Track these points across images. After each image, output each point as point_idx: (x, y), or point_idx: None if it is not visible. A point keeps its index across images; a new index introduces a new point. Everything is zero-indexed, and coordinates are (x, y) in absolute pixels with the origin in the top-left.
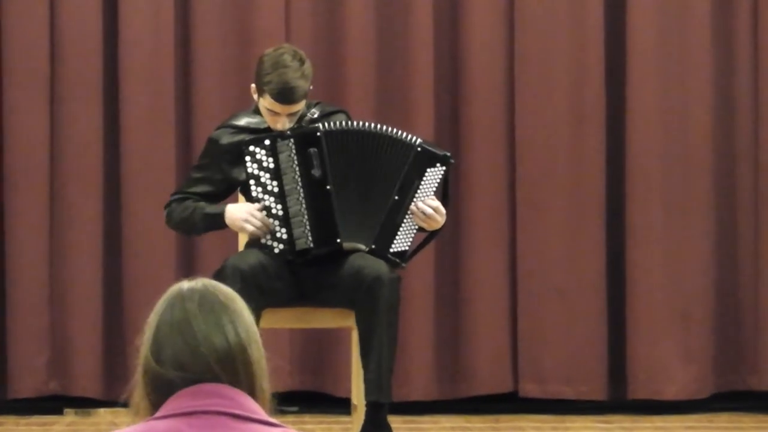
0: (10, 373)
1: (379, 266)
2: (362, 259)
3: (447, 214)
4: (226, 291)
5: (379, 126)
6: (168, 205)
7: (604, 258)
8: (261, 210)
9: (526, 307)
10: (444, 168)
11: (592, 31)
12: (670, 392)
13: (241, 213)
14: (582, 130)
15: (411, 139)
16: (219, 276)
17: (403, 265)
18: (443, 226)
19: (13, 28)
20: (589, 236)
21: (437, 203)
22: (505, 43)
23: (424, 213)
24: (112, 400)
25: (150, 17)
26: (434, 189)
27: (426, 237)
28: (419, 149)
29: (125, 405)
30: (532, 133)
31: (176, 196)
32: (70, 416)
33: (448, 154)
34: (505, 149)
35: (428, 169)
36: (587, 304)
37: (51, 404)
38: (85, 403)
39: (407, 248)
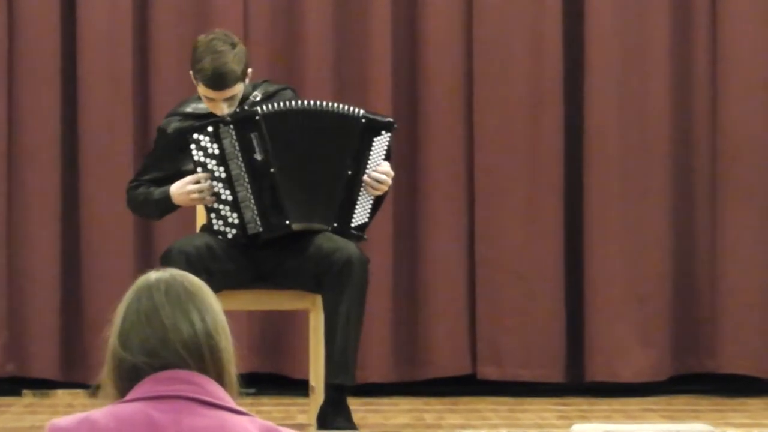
0: None
1: (349, 248)
2: (330, 241)
3: (404, 197)
4: (193, 280)
5: (319, 102)
6: (126, 193)
7: (562, 242)
8: (206, 185)
9: (484, 290)
10: (389, 134)
11: (550, 15)
12: (628, 375)
13: (183, 188)
14: (540, 116)
15: (353, 111)
16: (165, 258)
17: (365, 237)
18: (389, 187)
19: None
20: (547, 220)
21: (387, 167)
22: (463, 29)
23: (377, 180)
24: (69, 381)
25: None
26: (383, 156)
27: (377, 201)
28: (364, 120)
29: (83, 387)
30: (490, 118)
31: (132, 184)
32: (28, 398)
33: (392, 120)
34: (463, 135)
35: (375, 138)
36: (545, 288)
37: (8, 386)
38: (42, 385)
39: (367, 220)
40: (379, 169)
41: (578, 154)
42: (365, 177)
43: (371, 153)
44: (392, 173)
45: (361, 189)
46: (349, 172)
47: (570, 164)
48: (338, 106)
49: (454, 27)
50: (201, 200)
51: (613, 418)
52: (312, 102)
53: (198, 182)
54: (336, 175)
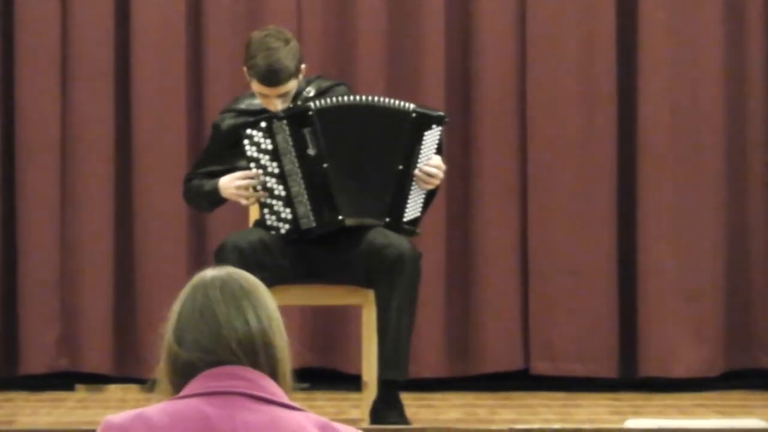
0: (22, 349)
1: (401, 243)
2: (382, 236)
3: (458, 192)
4: (249, 278)
5: (371, 97)
6: (183, 185)
7: (615, 237)
8: (255, 178)
9: (537, 285)
10: (440, 128)
11: (603, 11)
12: (681, 370)
13: (231, 182)
14: (593, 109)
15: (404, 105)
16: (219, 253)
17: (418, 231)
18: (441, 179)
19: (25, 6)
20: (599, 215)
21: (438, 161)
22: (517, 23)
23: (428, 174)
24: (122, 376)
25: None
26: (434, 150)
27: (429, 195)
28: (414, 114)
29: (135, 381)
30: (543, 112)
31: (188, 177)
32: (81, 392)
33: (443, 113)
34: (515, 129)
35: (426, 133)
36: (598, 283)
37: (62, 380)
38: (95, 379)
39: (419, 214)
40: (430, 163)
41: (631, 151)
42: (416, 171)
43: (422, 147)
44: (444, 167)
45: (413, 183)
46: (401, 167)
47: (622, 160)
48: (389, 101)
49: (507, 23)
50: (246, 196)
51: (666, 413)
52: (364, 97)
53: (246, 178)
54: (388, 169)
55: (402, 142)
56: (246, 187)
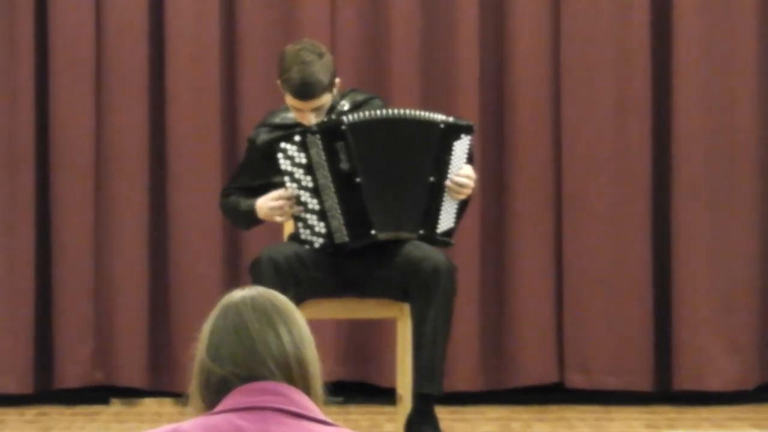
0: (56, 363)
1: (437, 256)
2: (418, 250)
3: (492, 204)
4: (279, 296)
5: (400, 110)
6: (219, 198)
7: (650, 249)
8: (291, 199)
9: (571, 298)
10: (469, 137)
11: (638, 22)
12: (716, 383)
13: (266, 202)
14: (627, 122)
15: (433, 117)
16: (254, 267)
17: (453, 242)
18: (474, 189)
19: (59, 17)
20: (634, 227)
21: (468, 170)
22: (550, 34)
23: (460, 185)
24: (157, 389)
25: (195, 7)
26: (464, 160)
27: (462, 205)
28: (443, 126)
29: (170, 395)
30: (578, 124)
31: (224, 191)
32: (115, 406)
33: (471, 123)
34: (550, 140)
35: (455, 143)
36: (632, 295)
37: (96, 394)
38: (130, 393)
39: (453, 225)
40: (461, 173)
41: (666, 161)
42: (447, 182)
43: (452, 157)
44: (474, 176)
45: (445, 194)
46: (432, 179)
47: (657, 172)
48: (417, 113)
49: (541, 36)
50: (280, 214)
51: (701, 426)
52: (393, 110)
53: (280, 199)
54: (419, 182)
55: (431, 154)
56: (280, 207)
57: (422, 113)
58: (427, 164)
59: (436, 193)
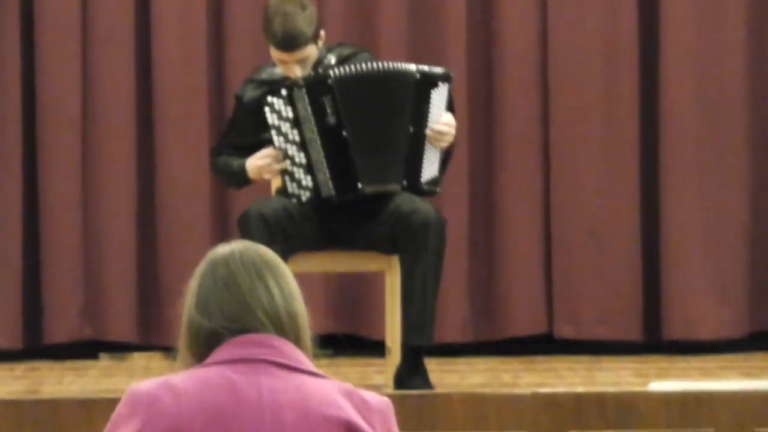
0: (45, 318)
1: (426, 209)
2: (407, 203)
3: (479, 156)
4: (267, 251)
5: (381, 63)
6: (209, 157)
7: (639, 201)
8: (277, 155)
9: (561, 249)
10: (447, 85)
11: None
12: (706, 332)
13: (254, 162)
14: (615, 72)
15: (407, 67)
16: (242, 221)
17: (438, 190)
18: (456, 137)
19: None
20: (623, 179)
21: (448, 118)
22: None
23: (439, 132)
24: (146, 344)
25: None
26: (443, 108)
27: (445, 155)
28: (418, 75)
29: (159, 349)
30: (565, 75)
31: (215, 150)
32: (105, 361)
33: (448, 71)
34: (537, 92)
35: (432, 91)
36: (622, 247)
37: (86, 349)
38: (119, 348)
39: (436, 173)
40: (440, 120)
41: (654, 110)
42: (427, 131)
43: (431, 106)
44: (455, 123)
45: (426, 143)
46: (411, 128)
47: (645, 120)
48: (394, 65)
49: None
50: (269, 171)
51: (691, 376)
52: (376, 63)
53: (267, 157)
54: (400, 133)
55: (410, 104)
56: (268, 163)
57: (398, 64)
58: (406, 115)
59: (416, 142)
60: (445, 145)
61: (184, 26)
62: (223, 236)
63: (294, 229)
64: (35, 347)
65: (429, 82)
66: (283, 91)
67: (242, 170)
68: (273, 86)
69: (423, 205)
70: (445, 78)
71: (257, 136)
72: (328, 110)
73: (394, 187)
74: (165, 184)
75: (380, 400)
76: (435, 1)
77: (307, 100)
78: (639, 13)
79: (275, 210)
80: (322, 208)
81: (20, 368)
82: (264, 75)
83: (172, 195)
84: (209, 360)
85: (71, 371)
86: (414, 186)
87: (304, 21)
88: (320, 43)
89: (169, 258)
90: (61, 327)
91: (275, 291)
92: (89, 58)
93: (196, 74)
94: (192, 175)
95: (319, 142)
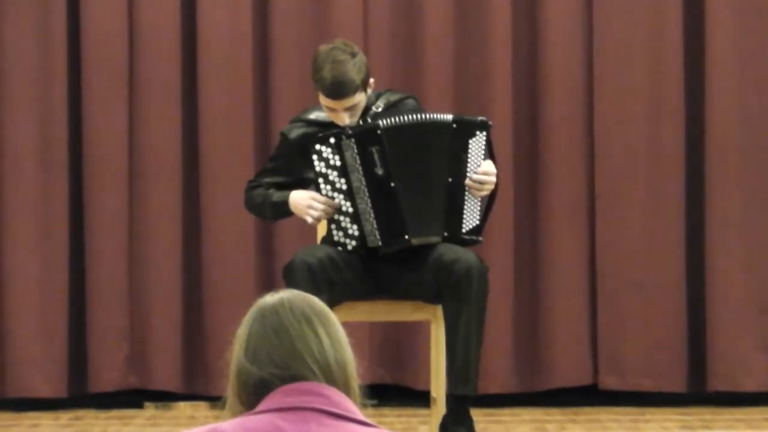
0: (91, 367)
1: (469, 258)
2: (450, 252)
3: (525, 203)
4: (315, 299)
5: (420, 114)
6: (245, 192)
7: (684, 251)
8: (331, 205)
9: (606, 299)
10: (485, 133)
11: (671, 25)
12: (750, 384)
13: (304, 200)
14: (661, 124)
15: (444, 117)
16: (288, 269)
17: (480, 239)
18: (498, 185)
19: (92, 21)
20: (668, 229)
21: (487, 165)
22: (584, 37)
23: (479, 182)
24: (191, 393)
25: (228, 12)
26: (482, 157)
27: (488, 202)
28: (455, 125)
29: (204, 399)
30: (611, 126)
31: (252, 184)
32: (149, 410)
33: (484, 118)
34: (583, 143)
35: (470, 140)
36: (667, 298)
37: (131, 398)
38: (164, 397)
39: (478, 222)
40: (479, 170)
41: (700, 163)
42: (467, 180)
43: (469, 155)
44: (494, 171)
45: (466, 193)
46: (450, 179)
47: (692, 173)
48: (432, 115)
49: (574, 35)
50: (314, 216)
51: (736, 427)
52: (416, 114)
53: (320, 201)
54: (440, 184)
55: (448, 154)
56: (318, 208)
57: (436, 114)
58: (445, 164)
59: (455, 192)
60: (485, 193)
61: (230, 72)
62: (268, 287)
63: (339, 278)
64: (81, 396)
65: (466, 131)
66: (332, 140)
67: (285, 201)
68: (322, 130)
69: (465, 254)
70: (483, 126)
71: (299, 176)
72: (377, 161)
73: (436, 237)
74: (211, 234)
75: None
76: (480, 48)
77: (355, 150)
78: (684, 65)
79: (320, 259)
80: (367, 257)
81: (65, 417)
82: (312, 115)
83: (218, 244)
84: (259, 407)
85: (116, 420)
86: (455, 236)
87: (353, 68)
88: (369, 90)
89: (215, 308)
90: (106, 376)
91: (325, 339)
92: (136, 108)
93: (241, 122)
94: (237, 223)
95: (366, 191)
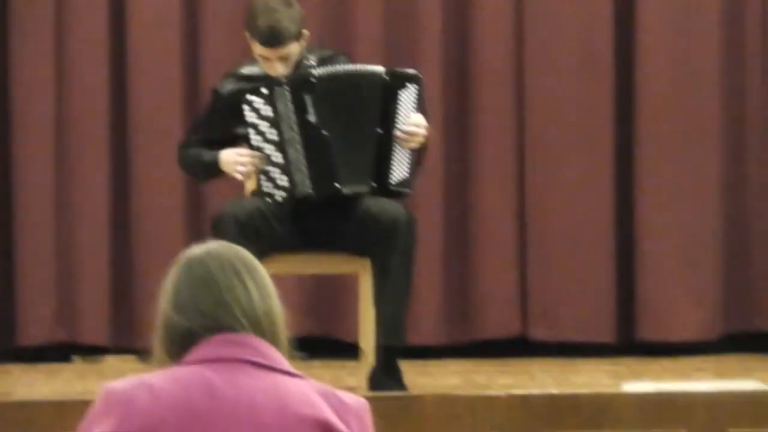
0: (18, 321)
1: (396, 210)
2: (377, 204)
3: (454, 154)
4: (243, 251)
5: (354, 65)
6: (177, 151)
7: (613, 202)
8: (256, 156)
9: (535, 251)
10: (416, 86)
11: None
12: (679, 334)
13: (231, 156)
14: (591, 75)
15: (376, 68)
16: (216, 221)
17: (409, 191)
18: (429, 139)
19: None
20: (598, 181)
21: (417, 117)
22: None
23: (408, 134)
24: (119, 347)
25: None
26: (413, 109)
27: (418, 156)
28: (386, 76)
29: (132, 352)
30: (541, 77)
31: (183, 143)
32: (77, 363)
33: (416, 72)
34: (513, 94)
35: (401, 92)
36: (596, 248)
37: (58, 352)
38: (92, 351)
39: (407, 174)
40: (409, 121)
41: (629, 113)
42: (396, 132)
43: (399, 107)
44: (425, 124)
45: (395, 144)
46: (379, 130)
47: (620, 123)
48: (363, 66)
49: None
50: (243, 172)
51: (665, 377)
52: (350, 65)
53: (249, 157)
54: (369, 134)
55: (378, 105)
56: (245, 163)
57: (367, 66)
58: (375, 116)
59: (384, 143)
60: (414, 145)
61: (160, 24)
62: (196, 239)
63: (267, 231)
64: (8, 349)
65: (397, 83)
66: (264, 90)
67: (215, 161)
68: (253, 83)
69: (392, 206)
70: (414, 79)
71: (231, 130)
72: (310, 108)
73: (365, 188)
74: (138, 187)
75: (357, 401)
76: (411, 4)
77: (289, 98)
78: (614, 15)
79: (249, 211)
80: (296, 210)
81: None
82: (244, 70)
83: (145, 195)
84: (187, 359)
85: (44, 374)
86: (383, 187)
87: (289, 18)
88: (303, 42)
89: (143, 260)
90: (33, 329)
91: (253, 290)
92: (64, 58)
93: (170, 73)
94: (165, 175)
95: (299, 140)
